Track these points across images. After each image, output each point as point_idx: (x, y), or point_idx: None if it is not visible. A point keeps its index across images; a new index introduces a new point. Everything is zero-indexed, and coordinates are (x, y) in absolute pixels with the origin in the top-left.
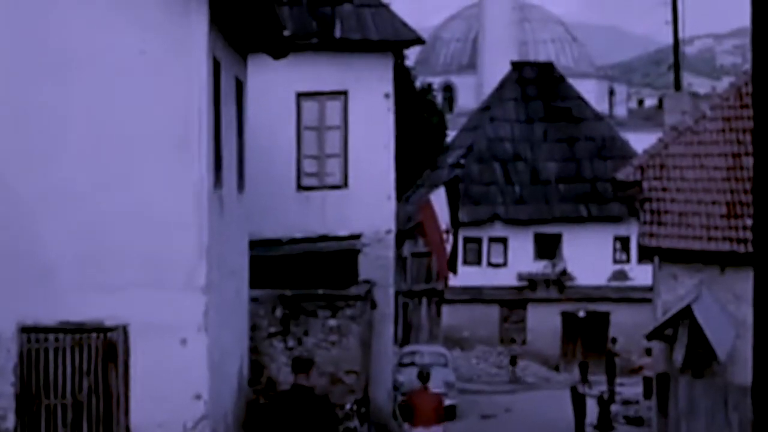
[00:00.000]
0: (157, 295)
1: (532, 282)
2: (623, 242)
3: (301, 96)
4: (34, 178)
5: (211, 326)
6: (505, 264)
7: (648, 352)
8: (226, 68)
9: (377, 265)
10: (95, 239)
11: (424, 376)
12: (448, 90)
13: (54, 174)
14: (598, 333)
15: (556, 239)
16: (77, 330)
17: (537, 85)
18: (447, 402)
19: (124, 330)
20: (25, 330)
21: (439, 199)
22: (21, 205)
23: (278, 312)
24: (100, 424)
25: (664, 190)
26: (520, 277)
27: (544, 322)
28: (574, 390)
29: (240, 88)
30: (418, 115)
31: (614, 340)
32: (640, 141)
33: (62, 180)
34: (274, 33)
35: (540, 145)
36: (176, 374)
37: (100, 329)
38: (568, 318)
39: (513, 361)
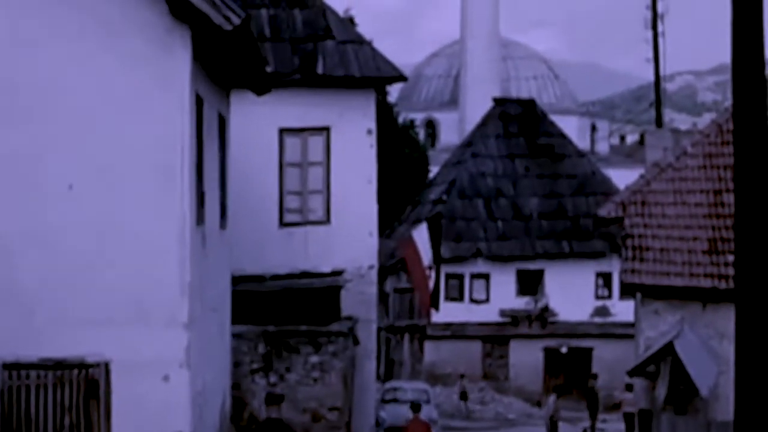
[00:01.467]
0: (139, 332)
1: (514, 318)
2: (605, 278)
3: (283, 132)
4: (14, 214)
5: (193, 363)
6: (487, 300)
7: (628, 387)
8: (209, 104)
9: (360, 300)
10: (77, 275)
11: (415, 405)
12: (431, 126)
13: (35, 210)
14: (581, 369)
15: (539, 275)
16: (59, 366)
17: (519, 121)
18: None
19: (106, 366)
20: (6, 367)
21: (421, 235)
22: (1, 241)
23: (261, 348)
24: None
25: (645, 226)
26: (503, 313)
27: (526, 358)
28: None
29: (223, 124)
30: (400, 151)
31: (594, 376)
32: (622, 177)
33: (44, 216)
34: (257, 69)
35: (522, 182)
36: (158, 411)
37: (82, 366)
38: (550, 354)
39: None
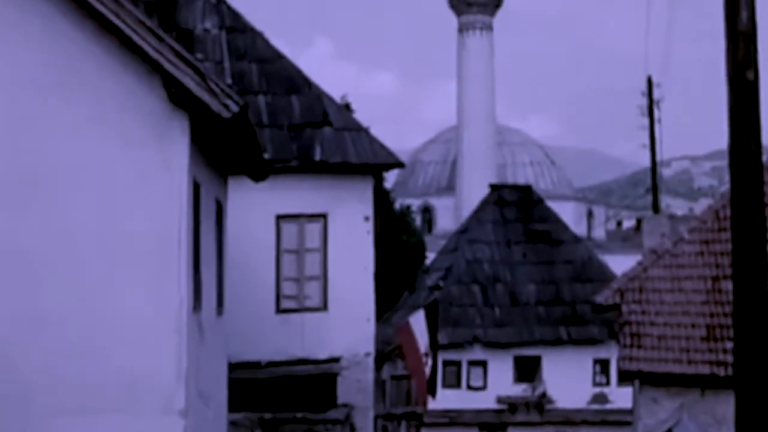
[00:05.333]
0: (136, 420)
1: (512, 405)
2: (603, 365)
3: (280, 218)
4: (8, 300)
5: None
6: (484, 387)
7: None
8: (206, 190)
9: (356, 388)
10: (72, 362)
11: None
12: (427, 212)
13: (29, 295)
14: None
15: (536, 362)
16: None
17: (516, 207)
18: None
19: None
20: None
21: (418, 321)
22: None
23: None
24: None
25: (643, 313)
26: (500, 400)
27: None
28: None
29: (220, 210)
30: (396, 237)
31: None
32: (619, 263)
33: (38, 301)
34: (254, 156)
35: (519, 268)
36: None
37: None
38: None
39: None
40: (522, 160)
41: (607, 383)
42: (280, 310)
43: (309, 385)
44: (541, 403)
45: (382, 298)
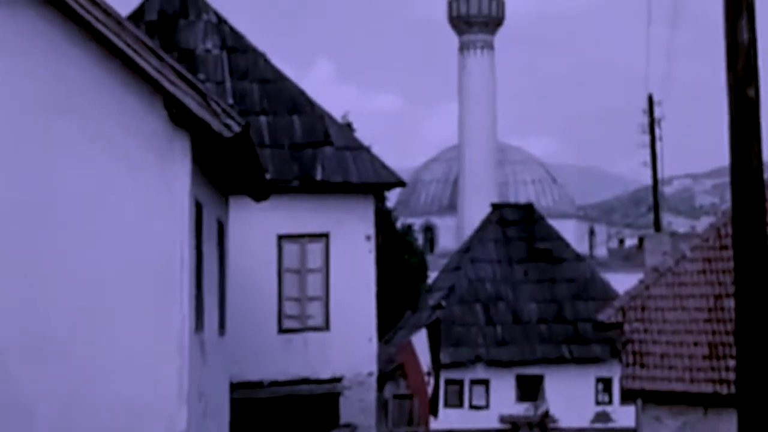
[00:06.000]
0: None
1: (514, 425)
2: (605, 383)
3: (282, 238)
4: (9, 321)
5: None
6: (487, 406)
7: None
8: (208, 210)
9: (359, 408)
10: (74, 383)
11: None
12: (429, 231)
13: (33, 316)
14: None
15: (538, 381)
16: None
17: (517, 226)
18: None
19: None
20: None
21: (420, 340)
22: (0, 355)
23: None
24: None
25: (645, 331)
26: (503, 419)
27: None
28: None
29: (222, 230)
30: (398, 256)
31: None
32: (621, 281)
33: (41, 322)
34: (255, 176)
35: (521, 286)
36: None
37: None
38: None
39: None
40: (523, 178)
41: (610, 402)
42: (282, 330)
43: (311, 404)
44: (543, 422)
45: (384, 317)
